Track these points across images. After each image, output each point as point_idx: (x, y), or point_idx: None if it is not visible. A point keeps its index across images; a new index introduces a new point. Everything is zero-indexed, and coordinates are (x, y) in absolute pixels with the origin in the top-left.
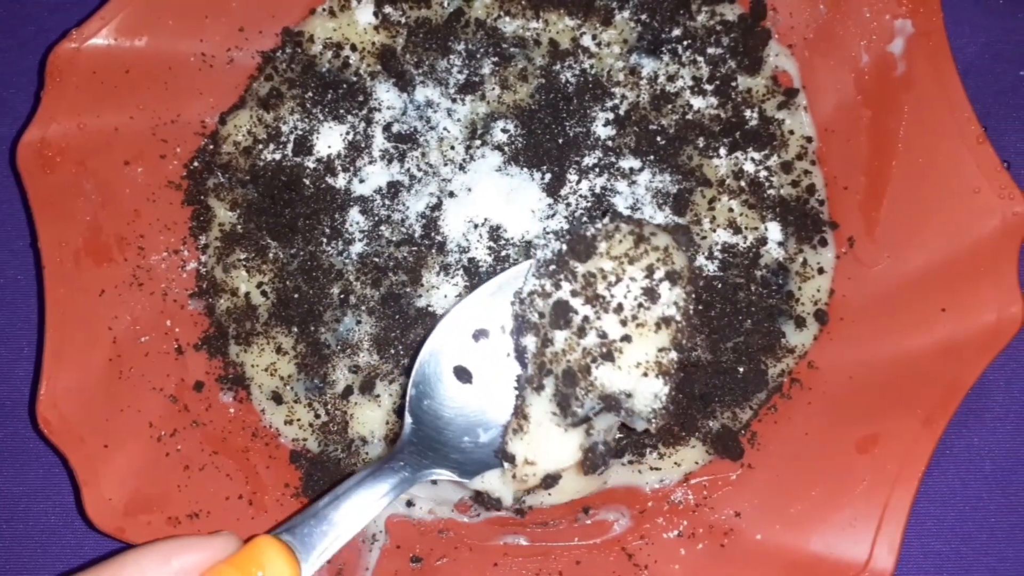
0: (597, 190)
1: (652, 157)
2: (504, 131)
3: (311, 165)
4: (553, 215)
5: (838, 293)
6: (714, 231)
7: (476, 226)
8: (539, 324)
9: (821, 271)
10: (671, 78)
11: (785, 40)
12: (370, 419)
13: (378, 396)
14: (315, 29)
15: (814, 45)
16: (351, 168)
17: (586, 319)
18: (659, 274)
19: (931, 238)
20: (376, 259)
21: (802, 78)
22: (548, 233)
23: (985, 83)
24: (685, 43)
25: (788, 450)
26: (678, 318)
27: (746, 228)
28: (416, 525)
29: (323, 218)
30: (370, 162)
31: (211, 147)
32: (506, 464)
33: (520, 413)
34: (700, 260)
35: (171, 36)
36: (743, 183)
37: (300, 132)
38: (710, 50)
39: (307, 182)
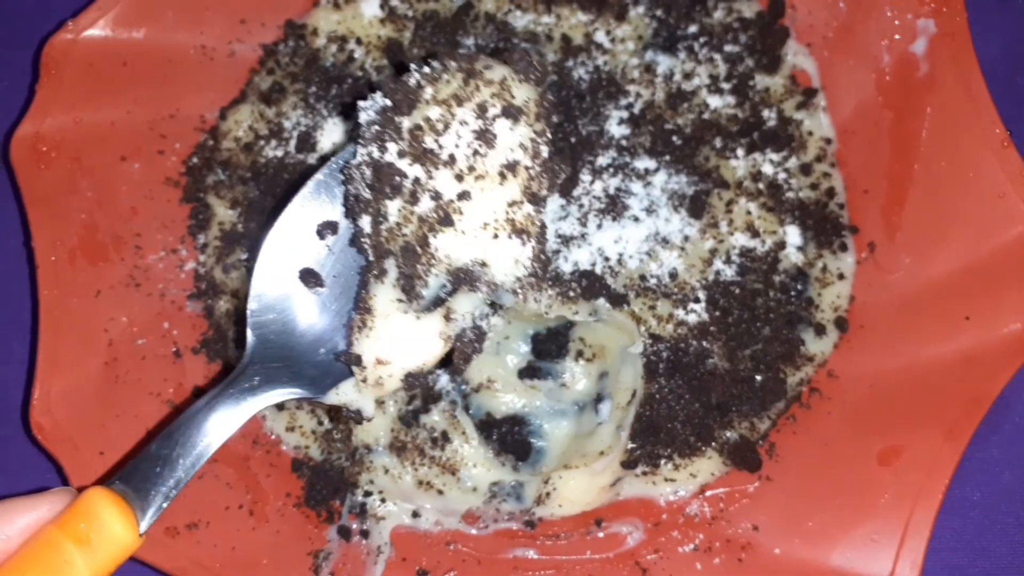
0: (611, 191)
1: (668, 157)
2: None
3: (315, 162)
4: (566, 216)
5: (858, 300)
6: (731, 235)
7: None
8: (371, 200)
9: (841, 277)
10: (687, 76)
11: (804, 39)
12: (374, 427)
13: (383, 403)
14: (319, 22)
15: (834, 44)
16: None
17: (417, 181)
18: (494, 111)
19: (954, 244)
20: None
21: (821, 78)
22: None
23: (1005, 86)
24: (702, 40)
25: (807, 462)
26: (526, 162)
27: (764, 232)
28: (422, 537)
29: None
30: None
31: (211, 143)
32: (355, 368)
33: (363, 306)
34: (718, 264)
35: (170, 28)
36: (761, 185)
37: (303, 128)
38: (727, 48)
39: None
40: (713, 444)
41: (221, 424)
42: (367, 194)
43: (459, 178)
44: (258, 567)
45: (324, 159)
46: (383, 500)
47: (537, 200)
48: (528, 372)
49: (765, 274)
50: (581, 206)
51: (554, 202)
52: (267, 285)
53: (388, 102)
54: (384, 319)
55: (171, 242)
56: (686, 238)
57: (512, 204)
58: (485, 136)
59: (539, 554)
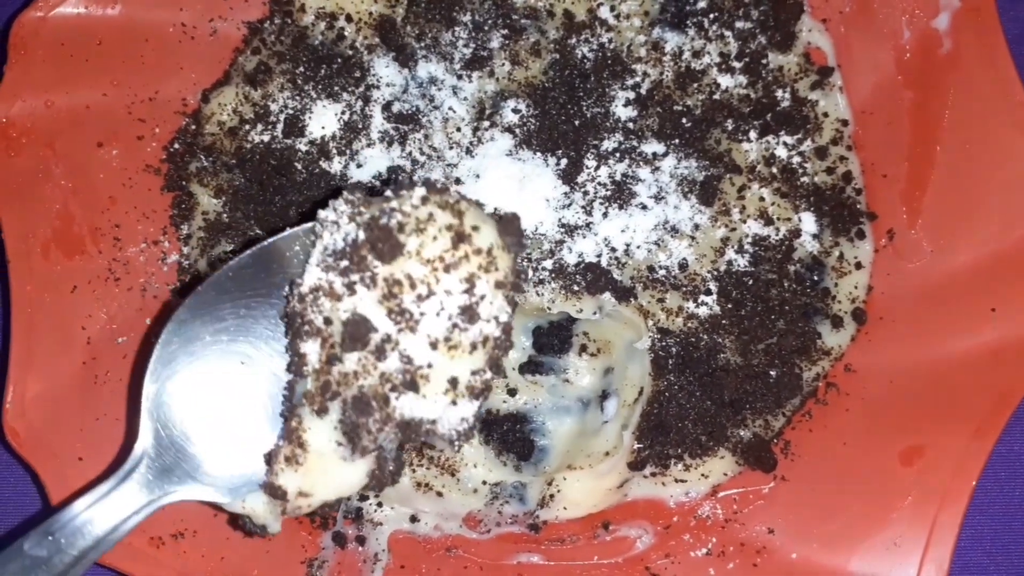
0: (617, 177)
1: (677, 141)
2: (515, 111)
3: (303, 148)
4: (570, 204)
5: (877, 290)
6: (744, 222)
7: None
8: (324, 331)
9: (859, 266)
10: (697, 54)
11: (819, 14)
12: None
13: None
14: None
15: (851, 20)
16: (347, 151)
17: (387, 338)
18: (481, 287)
19: (979, 231)
20: None
21: (837, 56)
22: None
23: None
24: (712, 16)
25: (825, 461)
26: (497, 334)
27: (778, 219)
28: (421, 542)
29: (317, 206)
30: (368, 145)
31: (193, 127)
32: (274, 499)
33: (295, 438)
34: (730, 254)
35: (148, 4)
36: (775, 169)
37: (291, 111)
38: (739, 24)
39: (299, 166)
40: (725, 443)
41: (108, 526)
42: (320, 323)
43: (433, 346)
44: None
45: (314, 144)
46: (380, 504)
47: (498, 369)
48: (529, 367)
49: (779, 264)
50: (586, 193)
51: (557, 188)
52: (172, 362)
53: (361, 235)
54: (318, 458)
55: (152, 233)
56: (696, 226)
57: (475, 372)
58: (470, 313)
59: (544, 559)
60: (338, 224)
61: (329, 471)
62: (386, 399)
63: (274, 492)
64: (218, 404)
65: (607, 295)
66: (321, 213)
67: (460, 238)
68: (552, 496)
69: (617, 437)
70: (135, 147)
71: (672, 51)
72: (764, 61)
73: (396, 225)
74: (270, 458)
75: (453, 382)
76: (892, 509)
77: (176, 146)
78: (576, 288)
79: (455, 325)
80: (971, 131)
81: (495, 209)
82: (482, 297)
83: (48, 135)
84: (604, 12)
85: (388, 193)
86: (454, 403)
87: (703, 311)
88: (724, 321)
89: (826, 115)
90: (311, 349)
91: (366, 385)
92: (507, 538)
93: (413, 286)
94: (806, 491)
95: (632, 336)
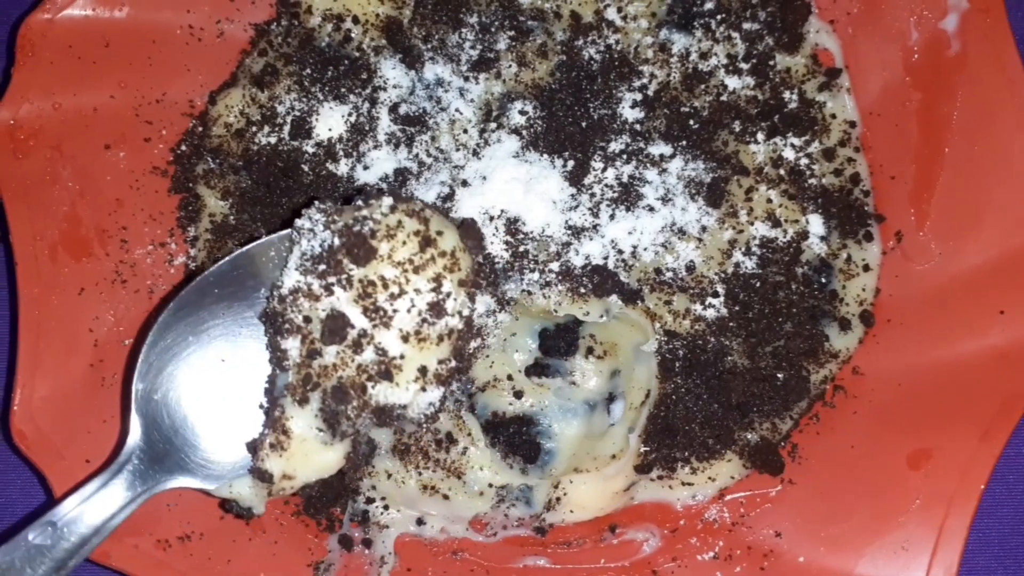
0: (624, 179)
1: (684, 142)
2: (522, 113)
3: (310, 150)
4: (576, 206)
5: (885, 292)
6: (752, 224)
7: (492, 218)
8: (304, 328)
9: (867, 268)
10: (704, 56)
11: (827, 15)
12: (376, 428)
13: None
14: None
15: (858, 21)
16: (354, 153)
17: (363, 333)
18: (447, 285)
19: (987, 232)
20: None
21: (845, 57)
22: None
23: None
24: (719, 17)
25: (832, 464)
26: (461, 327)
27: (786, 221)
28: (428, 545)
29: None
30: (375, 147)
31: (200, 129)
32: (260, 482)
33: (279, 427)
34: (737, 256)
35: (155, 6)
36: (782, 171)
37: (298, 113)
38: (746, 25)
39: (306, 168)
40: (733, 446)
41: (106, 515)
42: (300, 322)
43: (405, 339)
44: None
45: (321, 146)
46: (386, 507)
47: (462, 358)
48: (536, 370)
49: (787, 266)
50: (593, 195)
51: (564, 190)
52: (159, 362)
53: (337, 241)
54: (300, 443)
55: (159, 235)
56: (704, 228)
57: (441, 361)
58: (438, 309)
59: (551, 562)
60: (314, 231)
61: (311, 455)
62: (363, 388)
63: (262, 476)
64: (202, 399)
65: (614, 297)
66: (297, 222)
67: (427, 242)
68: (558, 499)
69: (624, 440)
70: (142, 149)
71: (679, 52)
72: (771, 62)
73: (369, 232)
74: (254, 446)
75: (423, 371)
76: (900, 513)
77: (183, 148)
78: (583, 290)
79: (424, 320)
80: (979, 132)
81: (486, 211)
82: (448, 294)
83: (56, 137)
84: (611, 14)
85: (359, 203)
86: (424, 390)
87: (710, 313)
88: (731, 324)
89: (834, 116)
90: (292, 345)
91: (344, 376)
92: (513, 541)
93: (386, 286)
94: (813, 494)
95: (639, 338)
